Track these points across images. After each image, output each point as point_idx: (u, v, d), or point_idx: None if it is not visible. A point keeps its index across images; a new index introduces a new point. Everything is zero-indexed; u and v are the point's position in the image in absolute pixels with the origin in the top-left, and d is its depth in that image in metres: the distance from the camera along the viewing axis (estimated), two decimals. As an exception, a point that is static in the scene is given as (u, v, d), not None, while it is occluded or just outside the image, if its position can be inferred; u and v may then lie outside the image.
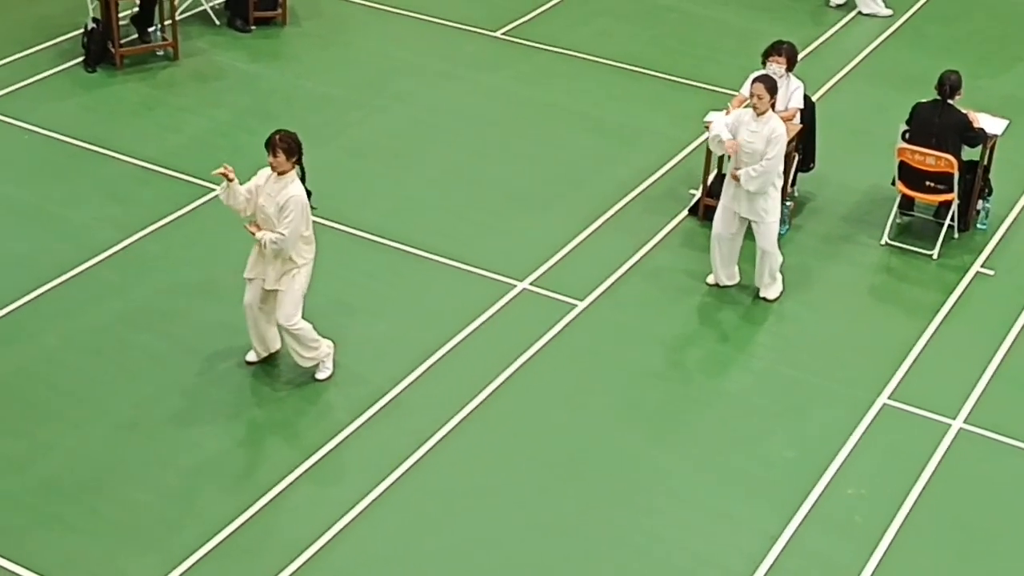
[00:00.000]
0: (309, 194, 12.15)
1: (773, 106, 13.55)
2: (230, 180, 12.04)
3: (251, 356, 12.87)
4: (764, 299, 13.98)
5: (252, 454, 11.97)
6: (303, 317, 12.35)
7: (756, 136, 13.35)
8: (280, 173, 12.06)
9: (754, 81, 13.46)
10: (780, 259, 13.89)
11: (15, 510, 11.29)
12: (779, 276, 14.02)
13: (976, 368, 13.29)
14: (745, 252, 14.08)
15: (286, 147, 11.98)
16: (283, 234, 11.98)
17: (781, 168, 13.55)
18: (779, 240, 13.98)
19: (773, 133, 13.32)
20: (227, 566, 10.88)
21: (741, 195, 13.59)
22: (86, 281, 13.92)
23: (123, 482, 11.59)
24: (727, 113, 14.75)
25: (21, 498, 11.40)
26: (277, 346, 12.85)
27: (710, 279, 14.19)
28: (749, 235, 13.94)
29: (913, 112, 14.89)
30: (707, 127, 14.93)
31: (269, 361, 12.87)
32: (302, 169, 12.19)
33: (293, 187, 12.03)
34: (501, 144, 16.63)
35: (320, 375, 12.69)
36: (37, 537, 11.05)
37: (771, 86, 13.41)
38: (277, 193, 12.03)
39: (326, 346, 12.67)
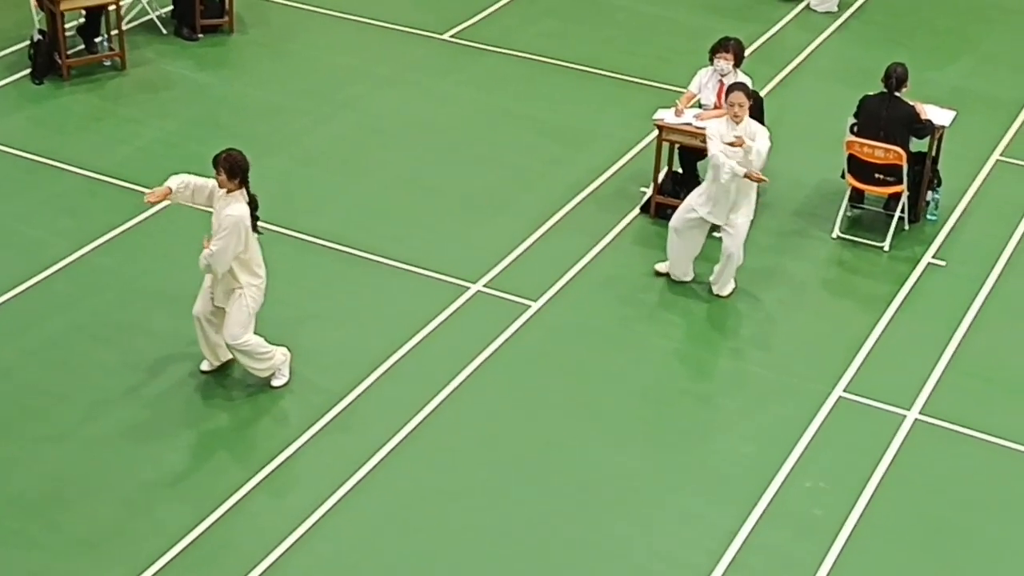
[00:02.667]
0: (256, 219, 12.10)
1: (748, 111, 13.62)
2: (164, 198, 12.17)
3: (204, 365, 12.83)
4: (718, 296, 14.02)
5: (210, 464, 11.92)
6: (256, 332, 12.36)
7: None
8: (228, 191, 12.04)
9: (731, 90, 13.53)
10: (742, 261, 13.93)
11: (-26, 527, 11.25)
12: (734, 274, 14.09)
13: (930, 359, 13.37)
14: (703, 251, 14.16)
15: (228, 167, 11.92)
16: (211, 250, 11.94)
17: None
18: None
19: (752, 129, 13.43)
20: (188, 577, 10.88)
21: (719, 209, 13.64)
22: (39, 294, 13.83)
23: (83, 496, 11.52)
24: (676, 111, 14.84)
25: (-20, 515, 11.36)
26: (229, 356, 12.81)
27: (660, 267, 14.24)
28: (708, 237, 14.03)
29: (860, 105, 14.96)
30: (656, 125, 15.00)
31: (223, 370, 12.83)
32: (249, 192, 12.10)
33: (234, 207, 11.95)
34: (451, 148, 16.62)
35: (276, 382, 12.66)
36: (-3, 554, 11.02)
37: (749, 92, 13.53)
38: (220, 210, 12.01)
39: (280, 354, 12.63)
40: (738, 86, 13.62)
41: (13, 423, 12.26)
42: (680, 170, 15.35)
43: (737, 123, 13.40)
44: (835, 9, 20.23)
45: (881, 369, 13.22)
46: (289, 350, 12.73)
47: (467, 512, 11.53)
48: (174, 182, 12.25)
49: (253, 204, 12.10)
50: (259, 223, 12.19)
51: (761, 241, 14.94)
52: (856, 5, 20.47)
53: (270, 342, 12.48)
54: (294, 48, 18.87)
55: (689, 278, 14.17)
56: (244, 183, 12.03)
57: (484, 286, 14.10)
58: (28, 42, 17.95)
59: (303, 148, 16.49)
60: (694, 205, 13.80)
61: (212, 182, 12.18)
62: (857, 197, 15.37)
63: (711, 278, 14.05)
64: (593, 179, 15.93)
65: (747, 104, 13.40)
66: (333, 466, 11.87)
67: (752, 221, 13.81)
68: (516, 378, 12.99)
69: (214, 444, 12.14)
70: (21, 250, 14.45)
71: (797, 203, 15.65)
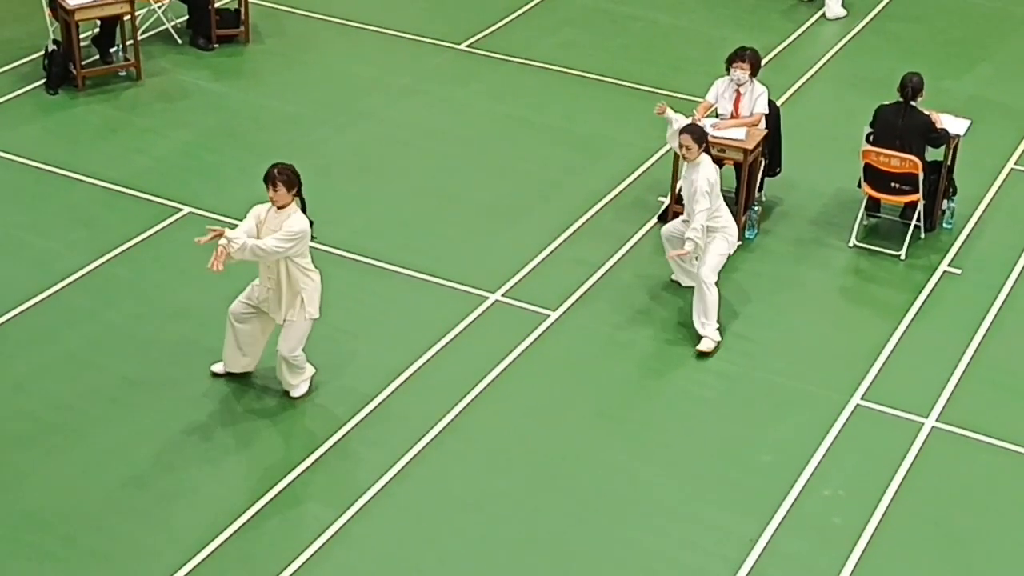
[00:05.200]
0: (311, 224, 12.09)
1: (707, 150, 13.36)
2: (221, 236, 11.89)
3: (217, 368, 12.85)
4: (699, 351, 13.51)
5: (227, 475, 11.92)
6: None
7: (687, 183, 13.34)
8: (280, 207, 11.98)
9: (681, 132, 13.36)
10: (715, 297, 13.43)
11: (-9, 540, 11.25)
12: (716, 326, 13.53)
13: (947, 366, 13.35)
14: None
15: (285, 179, 11.90)
16: (272, 246, 11.79)
17: (727, 210, 13.52)
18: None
19: (693, 185, 13.17)
20: (207, 588, 10.87)
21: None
22: (55, 307, 13.84)
23: (99, 509, 11.52)
24: (694, 121, 14.82)
25: (-4, 527, 11.37)
26: (247, 368, 12.81)
27: (673, 276, 14.28)
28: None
29: (876, 114, 14.95)
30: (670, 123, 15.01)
31: (240, 381, 12.82)
32: (302, 200, 12.10)
33: (297, 219, 11.91)
34: (469, 157, 16.63)
35: (295, 392, 12.66)
36: (14, 568, 10.97)
37: (698, 136, 13.24)
38: (280, 226, 11.92)
39: (309, 370, 12.68)
40: (686, 128, 13.37)
41: (28, 436, 12.25)
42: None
43: (688, 163, 13.31)
44: (844, 13, 20.24)
45: (898, 377, 13.21)
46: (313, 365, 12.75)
47: (487, 521, 11.53)
48: (233, 246, 11.81)
49: (303, 210, 12.11)
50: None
51: (778, 250, 14.95)
52: (872, 15, 20.46)
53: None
54: (310, 58, 18.89)
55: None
56: (299, 193, 12.04)
57: (503, 295, 14.10)
58: (43, 52, 18.00)
59: (320, 158, 16.49)
60: (665, 232, 13.92)
61: (251, 220, 12.09)
62: (873, 206, 15.37)
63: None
64: (611, 188, 15.93)
65: (694, 148, 13.17)
66: (353, 476, 11.87)
67: (728, 256, 13.53)
68: (535, 387, 12.99)
69: (231, 455, 12.14)
70: (35, 262, 14.45)
71: (814, 212, 15.64)
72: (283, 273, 12.12)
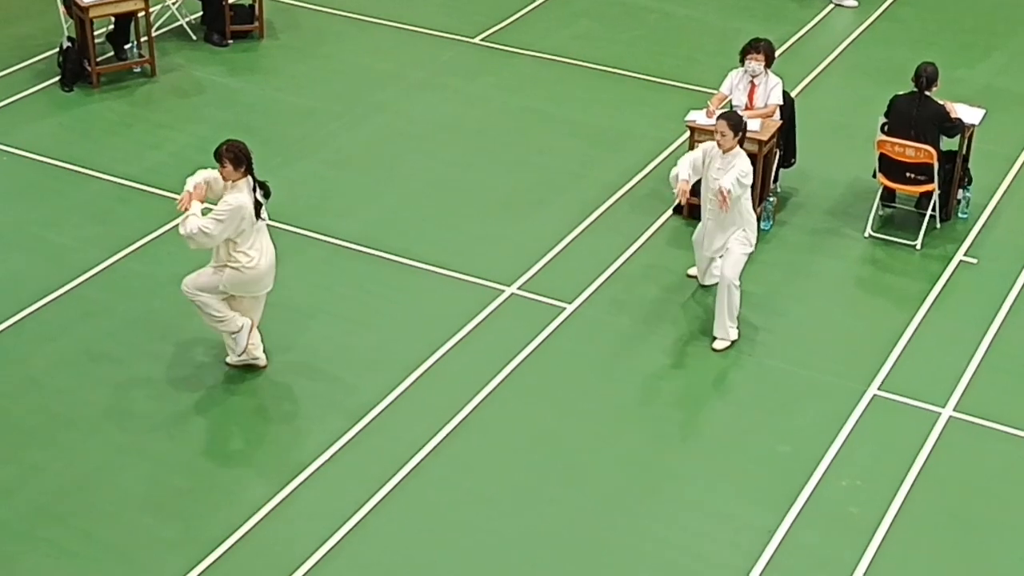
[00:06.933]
0: (259, 205, 12.21)
1: (741, 143, 13.15)
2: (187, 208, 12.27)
3: (231, 359, 12.90)
4: (714, 349, 13.45)
5: (244, 469, 11.94)
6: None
7: (723, 173, 13.05)
8: (233, 182, 12.17)
9: (719, 118, 13.20)
10: (737, 302, 13.35)
11: (7, 536, 11.23)
12: (735, 326, 13.45)
13: (963, 356, 13.33)
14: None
15: (232, 156, 12.11)
16: (205, 227, 12.02)
17: (750, 206, 13.34)
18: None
19: (740, 170, 12.92)
20: (225, 581, 10.89)
21: (713, 236, 13.40)
22: (70, 302, 13.87)
23: (116, 504, 11.54)
24: (708, 113, 14.81)
25: (12, 524, 11.34)
26: (250, 356, 12.84)
27: (692, 271, 14.23)
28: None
29: (891, 104, 14.93)
30: (689, 126, 15.01)
31: (256, 375, 12.84)
32: (254, 179, 12.24)
33: (236, 195, 12.10)
34: (483, 151, 16.62)
35: (229, 358, 12.80)
36: (30, 563, 11.00)
37: (734, 123, 13.01)
38: (224, 198, 12.17)
39: (238, 320, 12.55)
40: (723, 115, 13.17)
41: (43, 431, 12.28)
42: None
43: (724, 152, 13.06)
44: (855, 3, 20.23)
45: (915, 367, 13.18)
46: (315, 351, 12.71)
47: (503, 514, 11.53)
48: (192, 183, 12.36)
49: (265, 191, 12.31)
50: (263, 211, 12.32)
51: (793, 240, 14.94)
52: (885, 4, 20.43)
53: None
54: (325, 52, 18.91)
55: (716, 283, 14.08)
56: (249, 171, 12.18)
57: (519, 288, 14.10)
58: (57, 50, 18.03)
59: (335, 152, 16.51)
60: (696, 238, 13.79)
61: (210, 175, 12.40)
62: (889, 196, 15.34)
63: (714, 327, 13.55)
64: (626, 181, 15.91)
65: (729, 135, 12.94)
66: (369, 470, 11.87)
67: (750, 255, 13.36)
68: (551, 380, 12.98)
69: (249, 449, 12.17)
70: (51, 258, 14.48)
71: (829, 202, 15.62)
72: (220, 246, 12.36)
